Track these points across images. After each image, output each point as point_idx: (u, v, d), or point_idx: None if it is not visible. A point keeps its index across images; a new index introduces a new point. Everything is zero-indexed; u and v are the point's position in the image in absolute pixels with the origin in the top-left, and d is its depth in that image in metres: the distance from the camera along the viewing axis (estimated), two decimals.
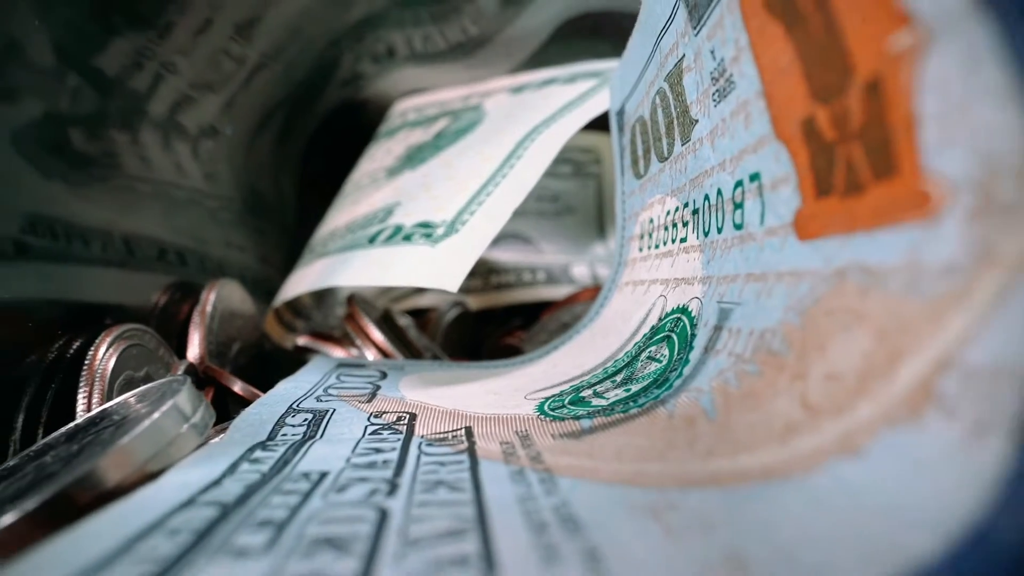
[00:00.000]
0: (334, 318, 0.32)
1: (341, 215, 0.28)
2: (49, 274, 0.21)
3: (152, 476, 0.11)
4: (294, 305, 0.29)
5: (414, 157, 0.27)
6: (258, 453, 0.12)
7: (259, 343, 0.27)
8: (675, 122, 0.15)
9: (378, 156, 0.32)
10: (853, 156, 0.08)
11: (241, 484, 0.10)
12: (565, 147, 0.22)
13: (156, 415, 0.11)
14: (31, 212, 0.21)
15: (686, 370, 0.13)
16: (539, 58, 0.33)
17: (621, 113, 0.21)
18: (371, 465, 0.11)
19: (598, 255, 0.34)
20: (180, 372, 0.19)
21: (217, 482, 0.10)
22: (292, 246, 0.36)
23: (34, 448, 0.14)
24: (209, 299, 0.22)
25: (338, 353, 0.24)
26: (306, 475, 0.10)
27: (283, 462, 0.11)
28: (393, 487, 0.09)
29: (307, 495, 0.09)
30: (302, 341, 0.25)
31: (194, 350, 0.21)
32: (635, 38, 0.18)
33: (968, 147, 0.07)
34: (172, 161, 0.29)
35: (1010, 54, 0.06)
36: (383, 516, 0.08)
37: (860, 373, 0.08)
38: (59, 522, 0.10)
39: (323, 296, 0.32)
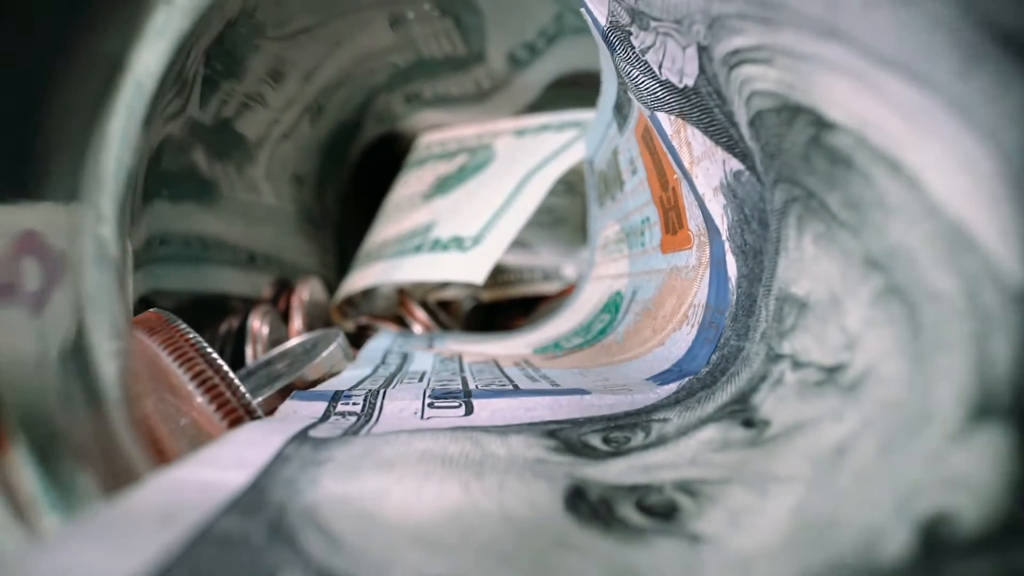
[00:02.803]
0: (376, 308, 0.43)
1: (388, 229, 0.39)
2: (184, 272, 0.32)
3: (332, 375, 0.22)
4: (349, 298, 0.41)
5: (443, 186, 0.39)
6: (382, 366, 0.23)
7: (328, 325, 0.38)
8: (617, 179, 0.27)
9: (411, 182, 0.43)
10: (672, 217, 0.20)
11: (387, 371, 0.21)
12: None
13: (332, 346, 0.23)
14: (163, 229, 0.32)
15: (614, 325, 0.24)
16: (538, 103, 0.45)
17: (591, 162, 0.33)
18: (445, 368, 0.22)
19: (584, 257, 0.46)
20: (299, 340, 0.30)
21: (373, 373, 0.21)
22: (340, 252, 0.48)
23: (244, 370, 0.25)
24: (304, 289, 0.34)
25: (392, 328, 0.35)
26: (415, 371, 0.22)
27: (399, 368, 0.23)
28: (461, 371, 0.21)
29: (423, 375, 0.21)
30: (364, 321, 0.36)
31: (296, 325, 0.33)
32: (597, 117, 0.30)
33: (694, 219, 0.18)
34: (249, 184, 0.40)
35: (695, 198, 0.17)
36: (463, 378, 0.20)
37: (670, 312, 0.19)
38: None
39: (368, 291, 0.44)
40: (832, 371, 0.11)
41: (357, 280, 0.37)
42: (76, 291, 0.09)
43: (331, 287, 0.42)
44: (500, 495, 0.10)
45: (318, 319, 0.36)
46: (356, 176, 0.50)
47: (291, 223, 0.42)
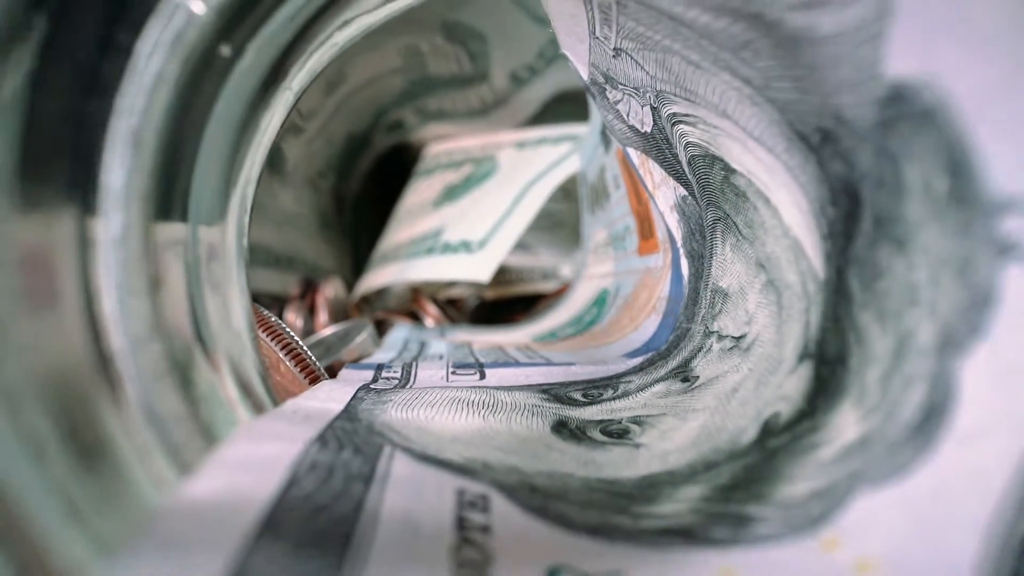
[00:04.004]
0: (388, 304, 0.48)
1: (401, 233, 0.44)
2: None
3: (363, 357, 0.27)
4: (365, 296, 0.46)
5: (451, 194, 0.44)
6: (404, 351, 0.28)
7: (347, 319, 0.43)
8: (604, 192, 0.32)
9: (421, 189, 0.48)
10: (645, 226, 0.25)
11: (410, 355, 0.26)
12: None
13: (364, 334, 0.28)
14: None
15: (601, 317, 0.29)
16: (537, 117, 0.50)
17: (584, 175, 0.38)
18: (458, 351, 0.27)
19: (578, 259, 0.51)
20: (331, 330, 0.35)
21: (398, 356, 0.26)
22: (355, 253, 0.53)
23: None
24: (329, 287, 0.39)
25: (405, 322, 0.41)
26: (434, 353, 0.27)
27: (419, 352, 0.28)
28: (472, 353, 0.26)
29: (441, 355, 0.26)
30: (380, 315, 0.42)
31: (322, 319, 0.38)
32: (588, 137, 0.35)
33: (660, 229, 0.23)
34: (275, 191, 0.45)
35: (659, 215, 0.22)
36: (475, 358, 0.25)
37: (643, 304, 0.25)
38: (335, 370, 0.27)
39: (382, 289, 0.49)
40: (738, 339, 0.16)
41: (374, 279, 0.42)
42: (230, 284, 0.14)
43: (347, 285, 0.47)
44: (508, 423, 0.15)
45: (339, 313, 0.41)
46: (369, 183, 0.55)
47: (311, 227, 0.48)
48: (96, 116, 0.08)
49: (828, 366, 0.12)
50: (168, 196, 0.10)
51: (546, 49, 0.44)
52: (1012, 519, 0.07)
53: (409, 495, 0.10)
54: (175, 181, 0.10)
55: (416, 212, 0.46)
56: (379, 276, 0.42)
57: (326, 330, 0.31)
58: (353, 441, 0.12)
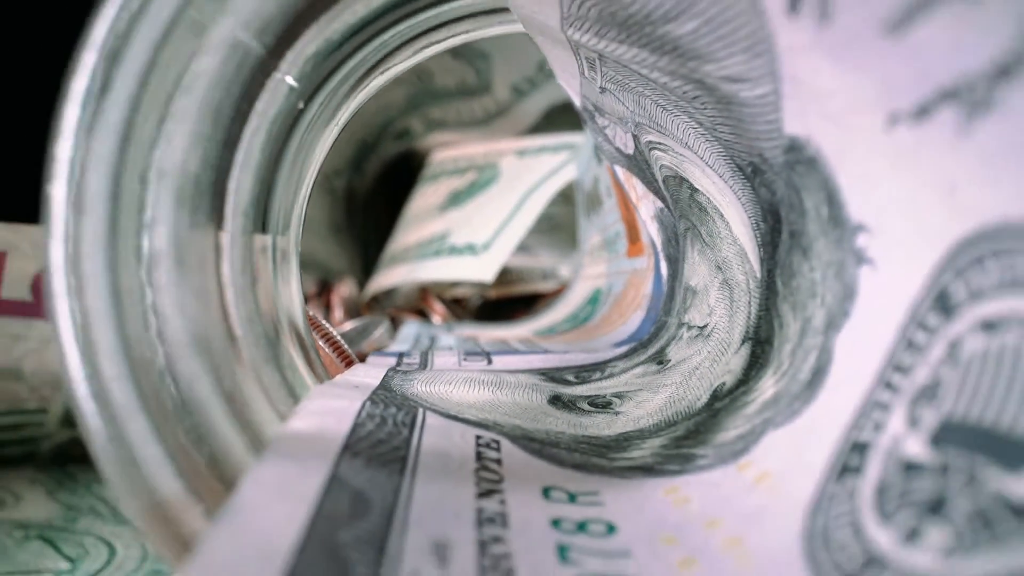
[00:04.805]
0: (396, 303, 0.52)
1: (409, 236, 0.48)
2: None
3: (381, 349, 0.31)
4: (375, 295, 0.50)
5: (456, 200, 0.48)
6: (417, 344, 0.32)
7: (359, 315, 0.47)
8: (597, 199, 0.36)
9: (428, 194, 0.52)
10: (633, 231, 0.29)
11: (424, 346, 0.30)
12: None
13: (381, 329, 0.32)
14: None
15: (594, 314, 0.33)
16: (537, 126, 0.54)
17: (580, 183, 0.41)
18: (466, 344, 0.31)
19: (575, 260, 0.54)
20: (351, 325, 0.39)
21: (414, 346, 0.30)
22: (364, 255, 0.57)
23: None
24: (344, 286, 0.43)
25: (414, 319, 0.44)
26: (444, 346, 0.30)
27: (430, 344, 0.31)
28: (479, 345, 0.30)
29: (451, 347, 0.29)
30: (390, 313, 0.45)
31: (337, 315, 0.42)
32: (583, 149, 0.38)
33: (644, 235, 0.27)
34: None
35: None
36: (482, 348, 0.28)
37: (630, 301, 0.28)
38: (364, 358, 0.31)
39: (390, 289, 0.52)
40: (702, 328, 0.20)
41: (384, 279, 0.46)
42: (293, 280, 0.18)
43: (359, 285, 0.50)
44: (512, 396, 0.19)
45: (352, 311, 0.45)
46: (377, 188, 0.59)
47: (325, 231, 0.51)
48: (224, 162, 0.12)
49: (760, 345, 0.15)
50: (258, 214, 0.14)
51: (546, 64, 0.48)
52: (849, 432, 0.11)
53: (441, 436, 0.13)
54: (261, 203, 0.14)
55: (423, 216, 0.49)
56: (389, 276, 0.46)
57: (346, 325, 0.35)
58: (394, 403, 0.15)
